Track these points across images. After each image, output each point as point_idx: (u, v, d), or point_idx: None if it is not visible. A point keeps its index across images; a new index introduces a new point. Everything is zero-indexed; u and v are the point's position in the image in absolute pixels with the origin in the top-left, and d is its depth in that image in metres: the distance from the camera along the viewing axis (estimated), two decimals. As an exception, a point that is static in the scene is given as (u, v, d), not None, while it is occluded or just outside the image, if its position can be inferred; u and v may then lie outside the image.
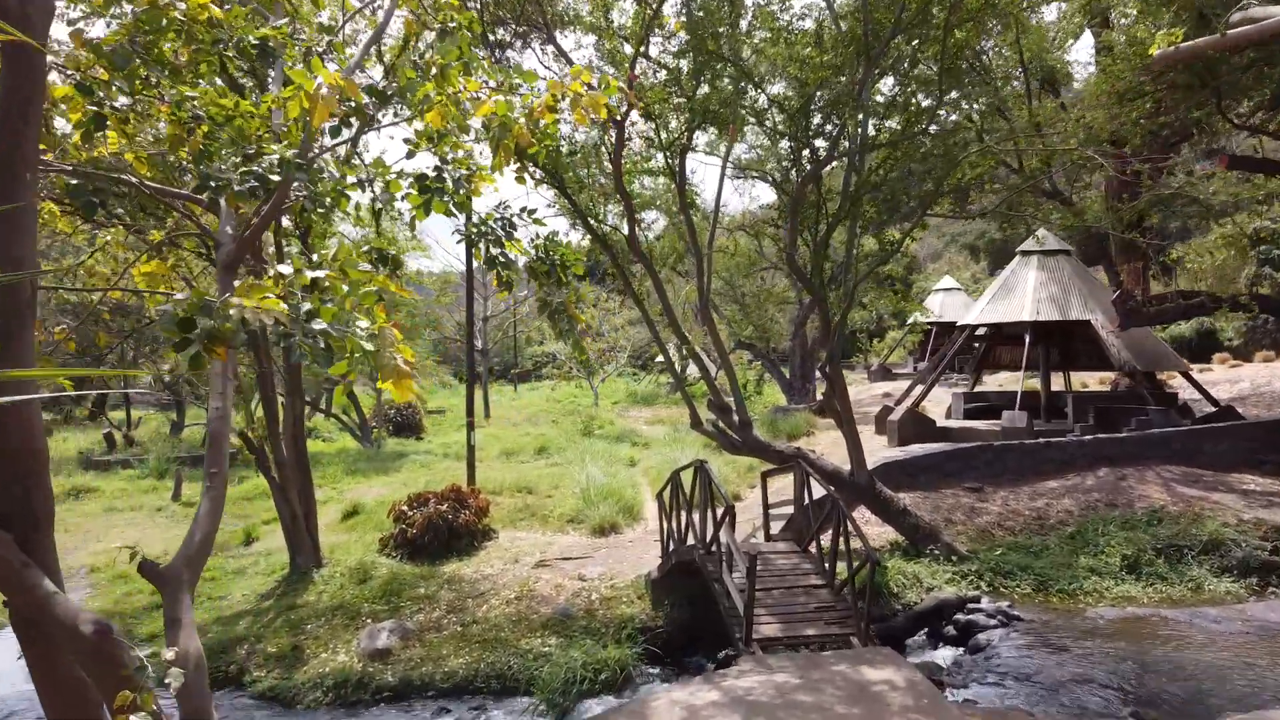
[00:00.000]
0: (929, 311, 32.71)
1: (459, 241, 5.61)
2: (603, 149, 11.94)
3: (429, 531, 13.91)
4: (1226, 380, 27.02)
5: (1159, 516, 13.18)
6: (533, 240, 5.69)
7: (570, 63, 10.77)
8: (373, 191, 4.77)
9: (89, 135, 4.42)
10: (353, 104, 4.35)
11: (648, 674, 10.04)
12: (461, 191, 4.44)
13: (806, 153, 10.67)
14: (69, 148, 4.92)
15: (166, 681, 3.42)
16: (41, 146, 4.77)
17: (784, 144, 12.71)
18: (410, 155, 4.64)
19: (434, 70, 4.13)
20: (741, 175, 30.32)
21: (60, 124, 5.18)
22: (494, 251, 5.22)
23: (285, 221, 12.35)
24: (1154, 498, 13.99)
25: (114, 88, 4.18)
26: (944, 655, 9.79)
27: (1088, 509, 13.95)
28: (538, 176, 10.97)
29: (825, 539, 10.21)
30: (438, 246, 66.94)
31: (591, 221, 11.87)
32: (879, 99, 10.63)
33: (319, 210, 4.70)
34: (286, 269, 3.16)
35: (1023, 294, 20.29)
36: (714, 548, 9.15)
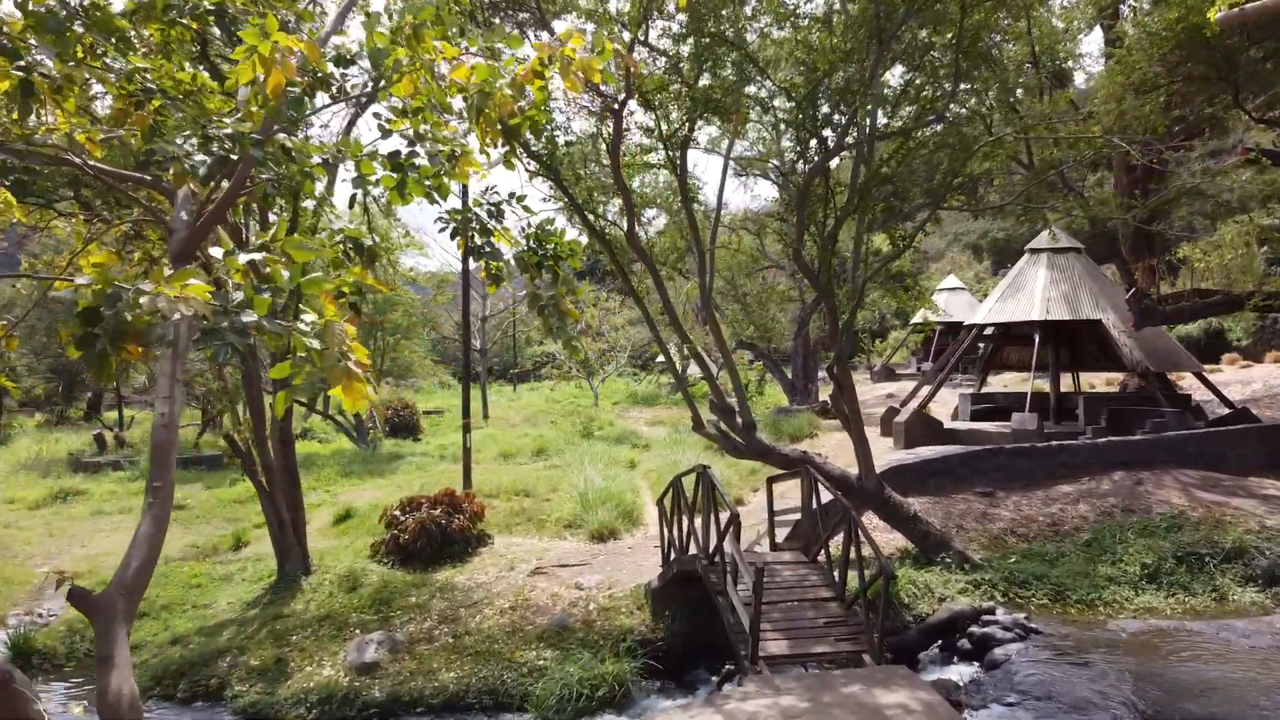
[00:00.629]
0: (940, 310, 32.22)
1: (441, 230, 5.12)
2: (600, 140, 11.47)
3: (421, 537, 13.44)
4: (1238, 381, 26.56)
5: (1178, 523, 12.71)
6: (523, 230, 5.22)
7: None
8: (345, 172, 4.28)
9: (26, 110, 3.95)
10: (318, 74, 3.89)
11: (647, 689, 9.57)
12: (440, 172, 3.97)
13: (814, 143, 10.20)
14: (9, 125, 4.47)
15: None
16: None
17: (789, 136, 12.25)
18: (385, 135, 4.19)
19: (406, 31, 3.67)
20: (744, 173, 29.96)
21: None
22: (479, 241, 4.76)
23: (272, 217, 11.90)
24: (1172, 503, 13.51)
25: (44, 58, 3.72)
26: (960, 672, 9.32)
27: (1103, 515, 13.48)
28: (532, 168, 10.49)
29: (832, 545, 9.75)
30: (435, 245, 66.44)
31: (589, 216, 11.38)
32: (890, 89, 10.18)
33: (285, 195, 4.24)
34: (217, 252, 2.70)
35: (1032, 292, 19.82)
36: (717, 558, 8.68)
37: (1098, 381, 28.91)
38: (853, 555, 8.47)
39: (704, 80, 10.35)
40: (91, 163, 4.32)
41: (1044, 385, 21.94)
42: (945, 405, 23.83)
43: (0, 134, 4.47)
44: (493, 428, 32.33)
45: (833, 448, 20.57)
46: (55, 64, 3.73)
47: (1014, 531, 13.19)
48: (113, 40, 4.20)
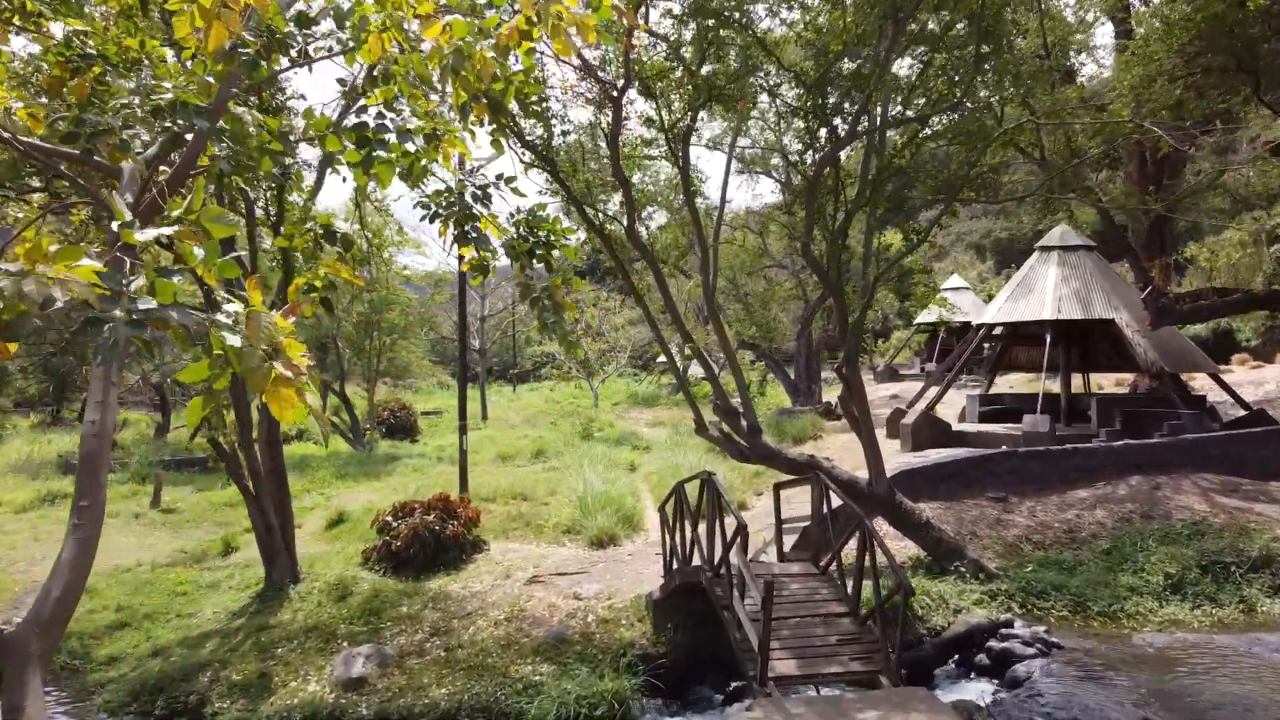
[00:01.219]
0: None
1: (422, 218, 4.63)
2: (600, 129, 10.97)
3: (414, 544, 12.95)
4: (1250, 382, 26.07)
5: (1201, 530, 12.23)
6: (512, 217, 4.74)
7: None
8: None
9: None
10: (275, 34, 3.41)
11: (649, 707, 9.08)
12: (414, 148, 3.50)
13: (824, 132, 9.70)
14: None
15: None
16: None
17: (797, 126, 11.73)
18: (350, 102, 3.71)
19: (373, -21, 3.21)
20: (747, 170, 29.50)
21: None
22: (465, 228, 4.28)
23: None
24: (1193, 509, 13.02)
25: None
26: (979, 689, 8.83)
27: (1122, 521, 12.99)
28: (527, 159, 9.99)
29: (843, 554, 9.26)
30: (433, 243, 65.87)
31: (588, 210, 10.88)
32: (904, 77, 9.68)
33: (245, 175, 3.76)
34: (148, 234, 2.23)
35: (1043, 291, 19.30)
36: (723, 570, 8.18)
37: (1105, 382, 28.39)
38: (866, 564, 7.99)
39: (707, 68, 9.86)
40: (24, 139, 3.84)
41: (1053, 386, 21.44)
42: (951, 406, 23.31)
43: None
44: (491, 429, 31.88)
45: (838, 450, 20.09)
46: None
47: (1029, 539, 12.70)
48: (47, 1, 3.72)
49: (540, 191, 13.06)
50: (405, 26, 3.19)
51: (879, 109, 9.46)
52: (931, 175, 9.88)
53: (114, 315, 1.92)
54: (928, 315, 41.92)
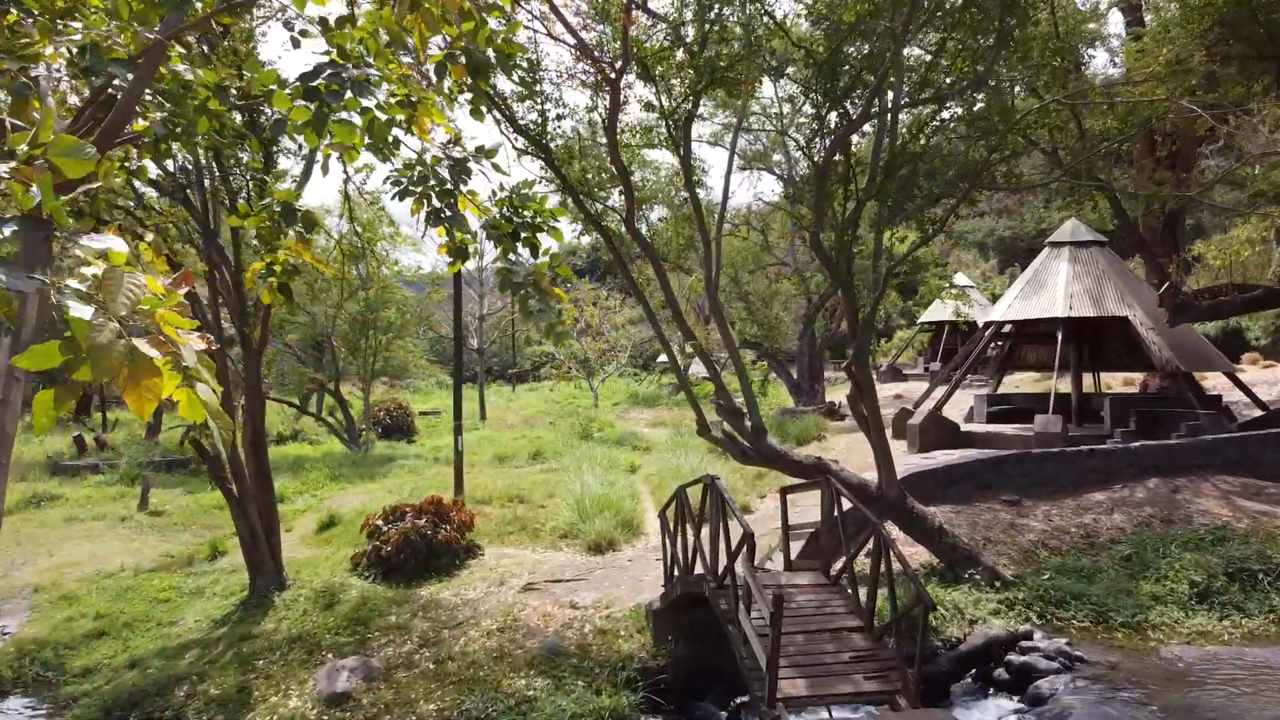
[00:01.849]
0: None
1: (393, 197, 4.15)
2: (597, 113, 10.47)
3: (405, 549, 12.45)
4: (1263, 381, 25.58)
5: (1224, 535, 11.72)
6: (494, 195, 4.25)
7: (559, 16, 9.26)
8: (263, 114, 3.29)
9: None
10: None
11: (649, 725, 8.58)
12: (371, 104, 3.01)
13: (834, 116, 9.20)
14: None
15: None
16: None
17: (806, 110, 11.24)
18: (296, 46, 3.23)
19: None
20: (749, 167, 28.97)
21: None
22: (437, 205, 3.79)
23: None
24: (1215, 513, 12.52)
25: None
26: (999, 706, 8.32)
27: (1141, 525, 12.48)
28: (520, 144, 9.49)
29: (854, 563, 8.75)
30: (431, 241, 65.32)
31: (584, 200, 10.36)
32: (919, 57, 9.18)
33: (181, 139, 3.27)
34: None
35: (1054, 288, 18.81)
36: (728, 581, 7.68)
37: (1114, 382, 27.88)
38: (880, 574, 7.49)
39: (709, 51, 9.35)
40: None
41: (1062, 385, 20.93)
42: (958, 406, 22.80)
43: None
44: (489, 429, 31.38)
45: (843, 450, 19.60)
46: None
47: (1045, 544, 12.19)
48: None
49: (535, 180, 12.57)
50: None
51: (892, 90, 8.95)
52: (949, 162, 9.36)
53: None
54: (932, 314, 41.49)
